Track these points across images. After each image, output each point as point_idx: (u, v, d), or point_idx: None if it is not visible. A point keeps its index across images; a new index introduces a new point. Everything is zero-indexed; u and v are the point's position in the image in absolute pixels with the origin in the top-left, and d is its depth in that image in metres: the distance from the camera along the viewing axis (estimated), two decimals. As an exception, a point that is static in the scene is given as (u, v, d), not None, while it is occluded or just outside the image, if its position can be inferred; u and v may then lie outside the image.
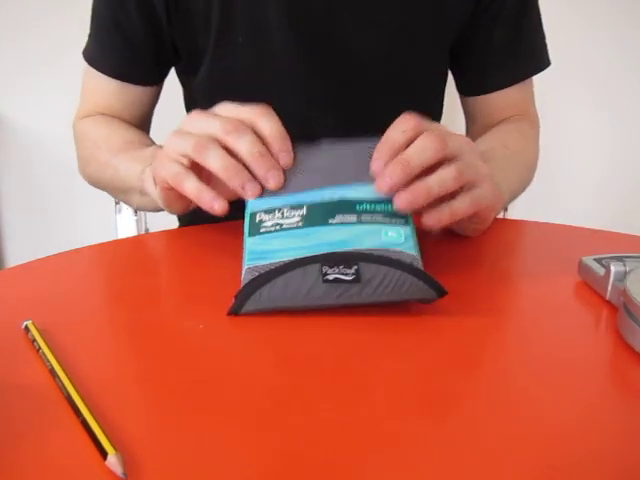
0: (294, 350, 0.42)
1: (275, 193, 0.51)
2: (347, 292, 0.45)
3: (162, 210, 0.66)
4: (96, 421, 0.33)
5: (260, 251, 0.48)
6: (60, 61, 1.63)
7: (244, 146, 0.51)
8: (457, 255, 0.58)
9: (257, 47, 0.74)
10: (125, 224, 0.92)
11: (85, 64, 0.79)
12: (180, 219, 0.93)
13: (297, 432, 0.34)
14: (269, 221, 0.50)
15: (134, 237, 0.84)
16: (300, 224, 0.49)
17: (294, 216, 0.49)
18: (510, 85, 0.81)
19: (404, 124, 0.51)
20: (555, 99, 1.43)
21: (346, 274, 0.45)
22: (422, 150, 0.49)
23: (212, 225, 0.63)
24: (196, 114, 0.55)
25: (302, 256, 0.46)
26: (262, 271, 0.46)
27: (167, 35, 0.74)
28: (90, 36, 0.78)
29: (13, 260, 1.85)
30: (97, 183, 0.77)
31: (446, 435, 0.34)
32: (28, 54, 1.68)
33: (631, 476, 0.31)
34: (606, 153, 1.75)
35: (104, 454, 0.31)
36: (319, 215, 0.49)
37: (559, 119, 1.43)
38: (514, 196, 0.74)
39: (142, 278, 0.54)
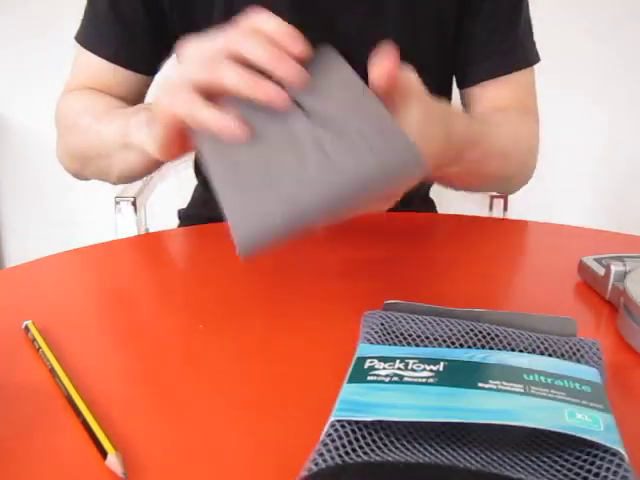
0: (294, 350, 0.42)
1: (400, 340, 0.40)
2: None
3: (147, 172, 0.65)
4: (96, 421, 0.33)
5: (359, 402, 0.33)
6: (60, 61, 1.63)
7: (260, 51, 0.44)
8: (457, 255, 0.58)
9: None
10: (125, 224, 0.92)
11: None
12: (180, 219, 0.93)
13: (298, 432, 0.34)
14: (384, 370, 0.36)
15: (134, 237, 0.84)
16: (432, 381, 0.35)
17: (424, 370, 0.36)
18: (494, 77, 0.79)
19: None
20: (555, 100, 1.43)
21: None
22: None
23: (212, 225, 0.63)
24: (193, 42, 0.48)
25: (427, 420, 0.31)
26: (356, 428, 0.31)
27: (168, 17, 0.74)
28: (84, 20, 0.77)
29: (13, 260, 1.85)
30: (77, 152, 0.74)
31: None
32: (28, 54, 1.68)
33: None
34: (605, 152, 1.75)
35: (104, 454, 0.31)
36: (464, 374, 0.36)
37: (558, 118, 1.43)
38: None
39: (142, 278, 0.54)
